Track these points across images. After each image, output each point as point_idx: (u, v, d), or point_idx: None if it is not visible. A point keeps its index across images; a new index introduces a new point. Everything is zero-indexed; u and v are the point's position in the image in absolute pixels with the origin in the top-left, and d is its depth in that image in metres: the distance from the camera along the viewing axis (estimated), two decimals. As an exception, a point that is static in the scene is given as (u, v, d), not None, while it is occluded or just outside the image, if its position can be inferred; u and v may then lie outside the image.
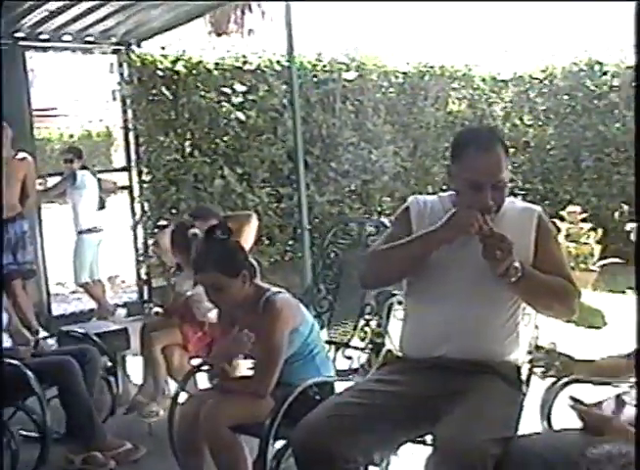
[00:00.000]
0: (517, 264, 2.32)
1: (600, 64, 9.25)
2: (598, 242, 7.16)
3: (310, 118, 7.84)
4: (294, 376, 2.89)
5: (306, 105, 7.74)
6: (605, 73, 9.22)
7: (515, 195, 9.11)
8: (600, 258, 7.18)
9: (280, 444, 2.74)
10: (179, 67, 7.20)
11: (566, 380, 2.46)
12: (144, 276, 7.41)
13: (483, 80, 9.61)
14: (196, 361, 3.84)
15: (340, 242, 3.31)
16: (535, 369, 2.49)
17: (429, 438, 2.42)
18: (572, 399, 2.30)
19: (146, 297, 7.41)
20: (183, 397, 3.23)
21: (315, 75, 8.07)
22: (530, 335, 2.68)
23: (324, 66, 8.17)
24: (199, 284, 3.12)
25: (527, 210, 2.60)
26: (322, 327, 3.24)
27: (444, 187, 7.53)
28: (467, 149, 2.45)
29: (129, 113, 7.21)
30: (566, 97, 9.39)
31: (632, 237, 7.50)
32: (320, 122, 7.93)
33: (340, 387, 2.78)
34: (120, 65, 7.14)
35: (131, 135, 7.27)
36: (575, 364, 2.42)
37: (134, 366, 4.60)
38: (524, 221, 2.53)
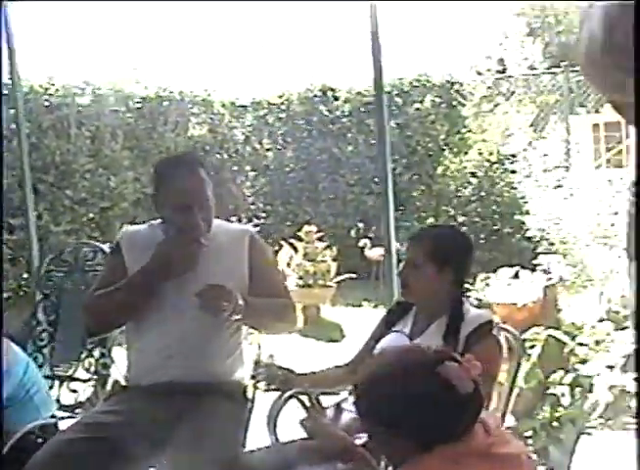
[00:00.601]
0: (240, 302, 2.35)
1: (332, 90, 9.76)
2: (334, 259, 7.49)
3: (43, 145, 7.51)
4: (11, 422, 2.68)
5: (38, 131, 7.42)
6: (337, 99, 9.74)
7: (257, 217, 9.34)
8: (336, 274, 7.52)
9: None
10: None
11: (289, 393, 2.52)
12: None
13: (223, 105, 9.78)
14: None
15: (56, 269, 3.17)
16: (259, 384, 2.52)
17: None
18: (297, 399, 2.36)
19: None
20: None
21: (47, 100, 7.74)
22: (255, 352, 2.72)
23: (57, 90, 7.87)
24: None
25: (239, 231, 2.66)
26: (43, 362, 3.06)
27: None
28: (169, 174, 2.47)
29: None
30: (302, 122, 9.79)
31: (366, 252, 7.99)
32: (53, 149, 7.62)
33: (66, 424, 2.63)
34: None
35: None
36: (296, 377, 2.48)
37: None
38: (236, 243, 2.57)
